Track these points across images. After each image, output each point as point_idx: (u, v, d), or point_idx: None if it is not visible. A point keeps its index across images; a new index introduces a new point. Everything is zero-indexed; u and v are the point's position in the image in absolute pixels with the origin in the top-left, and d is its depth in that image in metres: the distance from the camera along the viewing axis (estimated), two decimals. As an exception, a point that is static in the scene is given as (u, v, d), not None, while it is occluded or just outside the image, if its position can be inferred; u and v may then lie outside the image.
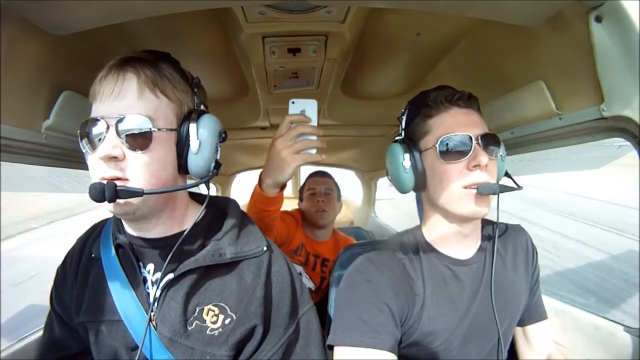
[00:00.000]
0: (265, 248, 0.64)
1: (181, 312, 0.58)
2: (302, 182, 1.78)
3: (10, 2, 0.53)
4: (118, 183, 0.52)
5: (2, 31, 0.55)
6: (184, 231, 0.60)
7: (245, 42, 0.86)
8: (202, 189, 0.64)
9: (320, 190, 1.64)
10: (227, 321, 0.58)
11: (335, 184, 1.72)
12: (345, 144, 2.06)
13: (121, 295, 0.60)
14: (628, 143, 0.62)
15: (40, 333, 0.74)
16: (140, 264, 0.62)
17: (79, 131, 0.56)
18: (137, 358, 0.56)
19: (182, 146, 0.58)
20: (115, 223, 0.67)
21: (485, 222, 0.81)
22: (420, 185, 0.72)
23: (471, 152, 0.65)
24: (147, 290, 0.61)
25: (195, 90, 0.62)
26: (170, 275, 0.59)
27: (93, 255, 0.66)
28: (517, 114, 0.85)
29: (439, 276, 0.72)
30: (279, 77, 1.09)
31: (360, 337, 0.63)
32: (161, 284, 0.60)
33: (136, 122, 0.53)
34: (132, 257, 0.61)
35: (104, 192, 0.50)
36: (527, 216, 6.66)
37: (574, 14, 0.61)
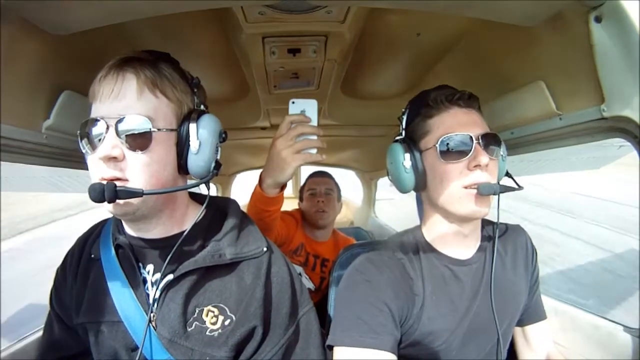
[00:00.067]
0: (265, 249, 0.64)
1: (181, 313, 0.58)
2: (302, 182, 1.78)
3: (10, 2, 0.53)
4: (118, 183, 0.52)
5: (2, 31, 0.55)
6: (184, 232, 0.60)
7: (245, 42, 0.86)
8: (202, 189, 0.64)
9: (320, 190, 1.63)
10: (226, 322, 0.58)
11: (336, 184, 1.72)
12: (345, 144, 2.06)
13: (121, 296, 0.60)
14: (628, 143, 0.62)
15: (40, 333, 0.74)
16: (140, 264, 0.62)
17: (78, 131, 0.56)
18: (137, 359, 0.56)
19: (182, 146, 0.58)
20: (115, 223, 0.67)
21: (485, 222, 0.81)
22: (421, 185, 0.72)
23: (471, 152, 0.65)
24: (147, 291, 0.61)
25: (195, 90, 0.62)
26: (170, 276, 0.59)
27: (93, 255, 0.66)
28: (517, 114, 0.85)
29: (439, 276, 0.72)
30: (279, 77, 1.09)
31: (359, 337, 0.63)
32: (161, 285, 0.60)
33: (136, 123, 0.53)
34: (131, 257, 0.61)
35: (103, 193, 0.50)
36: (523, 213, 6.69)
37: (573, 14, 0.61)
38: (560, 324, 0.92)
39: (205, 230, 0.64)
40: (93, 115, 0.55)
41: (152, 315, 0.59)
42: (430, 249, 0.75)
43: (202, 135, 0.58)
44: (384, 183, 2.19)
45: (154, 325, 0.59)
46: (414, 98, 0.76)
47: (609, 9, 0.55)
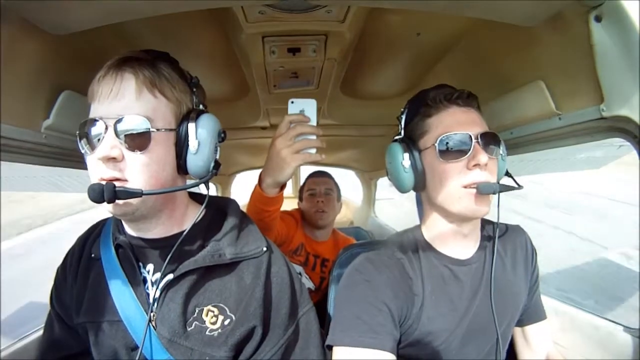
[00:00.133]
0: (264, 248, 0.64)
1: (180, 313, 0.58)
2: (302, 182, 1.78)
3: (10, 2, 0.53)
4: (117, 184, 0.52)
5: (2, 31, 0.55)
6: (184, 231, 0.60)
7: (245, 42, 0.86)
8: (201, 189, 0.64)
9: (320, 190, 1.63)
10: (226, 322, 0.58)
11: (335, 184, 1.71)
12: (345, 143, 2.06)
13: (121, 296, 0.60)
14: (628, 143, 0.62)
15: (41, 332, 0.74)
16: (140, 264, 0.62)
17: (77, 132, 0.56)
18: (137, 358, 0.57)
19: (181, 146, 0.58)
20: (115, 223, 0.67)
21: (485, 222, 0.81)
22: (420, 184, 0.72)
23: (471, 151, 0.65)
24: (147, 291, 0.61)
25: (194, 90, 0.62)
26: (170, 276, 0.59)
27: (93, 255, 0.66)
28: (516, 114, 0.85)
29: (438, 276, 0.72)
30: (279, 77, 1.09)
31: (359, 337, 0.63)
32: (161, 285, 0.60)
33: (135, 123, 0.53)
34: (131, 257, 0.61)
35: (103, 193, 0.50)
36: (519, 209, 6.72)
37: (573, 14, 0.61)
38: (560, 324, 0.92)
39: (205, 230, 0.64)
40: (92, 115, 0.55)
41: (152, 314, 0.59)
42: (429, 248, 0.75)
43: (201, 135, 0.58)
44: (384, 183, 2.19)
45: (154, 324, 0.59)
46: (413, 97, 0.76)
47: (609, 9, 0.55)
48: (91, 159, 0.55)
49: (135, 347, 0.59)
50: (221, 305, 0.59)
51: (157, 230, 0.61)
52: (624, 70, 0.56)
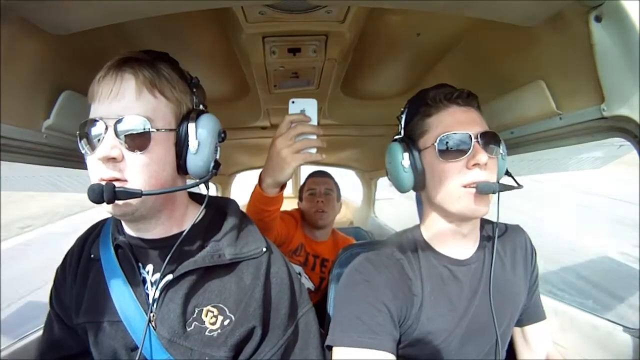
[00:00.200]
0: (264, 249, 0.64)
1: (180, 313, 0.58)
2: (302, 182, 1.78)
3: (10, 2, 0.53)
4: (117, 184, 0.52)
5: (2, 31, 0.55)
6: (183, 232, 0.60)
7: (245, 42, 0.86)
8: (201, 189, 0.64)
9: (320, 190, 1.63)
10: (226, 322, 0.58)
11: (335, 184, 1.71)
12: (345, 143, 2.06)
13: (120, 296, 0.60)
14: (628, 143, 0.62)
15: (40, 333, 0.74)
16: (140, 264, 0.62)
17: (77, 132, 0.56)
18: (136, 359, 0.57)
19: (181, 146, 0.58)
20: (114, 223, 0.67)
21: (485, 222, 0.81)
22: (420, 184, 0.72)
23: (470, 150, 0.65)
24: (147, 291, 0.61)
25: (194, 90, 0.62)
26: (170, 276, 0.59)
27: (92, 255, 0.66)
28: (517, 114, 0.85)
29: (438, 276, 0.72)
30: (279, 77, 1.09)
31: (358, 337, 0.63)
32: (160, 285, 0.60)
33: (134, 123, 0.53)
34: (131, 257, 0.61)
35: (102, 193, 0.50)
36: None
37: (573, 14, 0.61)
38: (559, 324, 0.92)
39: (205, 230, 0.64)
40: (92, 115, 0.55)
41: (151, 315, 0.59)
42: (429, 248, 0.75)
43: (201, 135, 0.58)
44: (384, 183, 2.19)
45: (154, 325, 0.59)
46: (413, 97, 0.76)
47: (609, 9, 0.55)
48: (91, 159, 0.55)
49: (135, 348, 0.59)
50: (221, 305, 0.59)
51: (156, 231, 0.61)
52: (624, 70, 0.56)
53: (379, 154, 0.80)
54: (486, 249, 0.77)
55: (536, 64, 0.76)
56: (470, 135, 0.65)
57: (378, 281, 0.68)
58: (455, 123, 0.67)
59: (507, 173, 0.76)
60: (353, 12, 0.77)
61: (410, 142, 0.72)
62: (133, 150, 0.54)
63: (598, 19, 0.57)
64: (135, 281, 0.61)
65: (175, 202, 0.62)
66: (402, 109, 0.77)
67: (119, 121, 0.53)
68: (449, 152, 0.66)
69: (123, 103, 0.54)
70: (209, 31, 0.87)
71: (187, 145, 0.58)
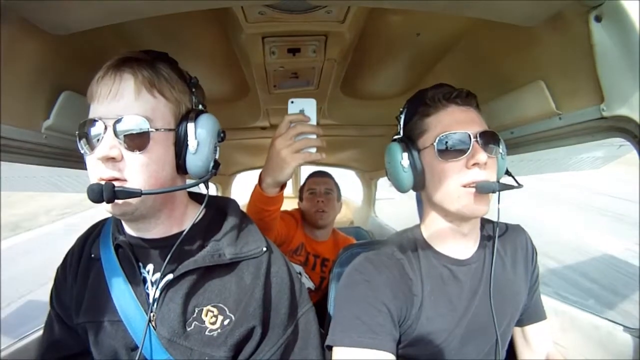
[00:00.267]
0: (264, 249, 0.64)
1: (180, 313, 0.58)
2: (302, 182, 1.78)
3: (10, 2, 0.53)
4: (116, 184, 0.52)
5: (2, 31, 0.55)
6: (183, 231, 0.60)
7: (245, 42, 0.86)
8: (202, 189, 0.64)
9: (320, 190, 1.64)
10: (226, 322, 0.58)
11: (336, 184, 1.72)
12: (345, 144, 2.06)
13: (121, 296, 0.60)
14: (628, 143, 0.62)
15: (41, 332, 0.74)
16: (140, 264, 0.62)
17: (77, 132, 0.56)
18: (137, 358, 0.57)
19: (180, 146, 0.58)
20: (114, 223, 0.67)
21: (485, 222, 0.81)
22: (419, 184, 0.72)
23: (469, 150, 0.65)
24: (147, 291, 0.61)
25: (194, 89, 0.62)
26: (170, 276, 0.60)
27: (93, 255, 0.66)
28: (517, 114, 0.85)
29: (438, 276, 0.72)
30: (279, 77, 1.09)
31: (358, 337, 0.63)
32: (160, 285, 0.60)
33: (134, 123, 0.54)
34: (131, 257, 0.61)
35: (102, 193, 0.50)
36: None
37: (573, 14, 0.61)
38: (560, 324, 0.91)
39: (205, 230, 0.64)
40: (91, 115, 0.55)
41: (151, 315, 0.59)
42: (429, 248, 0.74)
43: (200, 135, 0.58)
44: (384, 183, 2.19)
45: (154, 325, 0.59)
46: (412, 97, 0.76)
47: (609, 9, 0.55)
48: (90, 159, 0.55)
49: (135, 347, 0.59)
50: (221, 305, 0.59)
51: (156, 230, 0.62)
52: (624, 70, 0.56)
53: (379, 154, 0.80)
54: (486, 249, 0.77)
55: (536, 64, 0.76)
56: (470, 135, 0.65)
57: (378, 281, 0.68)
58: (454, 123, 0.67)
59: (508, 172, 0.76)
60: (353, 12, 0.76)
61: (409, 142, 0.72)
62: (132, 150, 0.54)
63: (598, 19, 0.57)
64: (136, 281, 0.61)
65: (174, 201, 0.62)
66: (401, 109, 0.77)
67: (118, 121, 0.53)
68: (448, 152, 0.66)
69: (122, 103, 0.54)
70: (209, 31, 0.87)
71: (187, 145, 0.58)
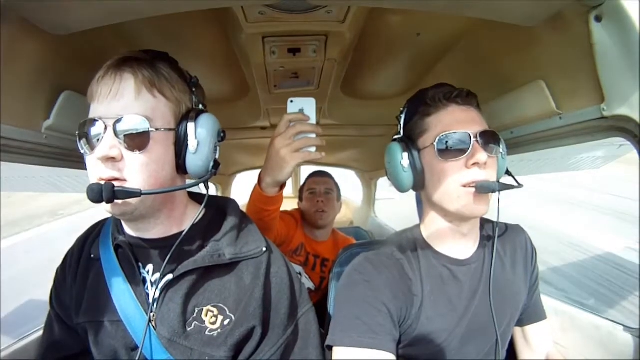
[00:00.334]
0: (264, 249, 0.64)
1: (180, 313, 0.58)
2: (302, 182, 1.78)
3: (10, 2, 0.53)
4: (116, 184, 0.52)
5: (2, 31, 0.55)
6: (183, 232, 0.60)
7: (245, 42, 0.86)
8: (201, 189, 0.64)
9: (320, 190, 1.63)
10: (226, 322, 0.58)
11: (336, 184, 1.72)
12: (345, 143, 2.06)
13: (121, 296, 0.60)
14: (628, 142, 0.62)
15: (41, 333, 0.74)
16: (140, 264, 0.62)
17: (77, 132, 0.56)
18: (137, 358, 0.57)
19: (180, 146, 0.58)
20: (114, 223, 0.67)
21: (485, 222, 0.81)
22: (419, 184, 0.72)
23: (470, 150, 0.65)
24: (147, 291, 0.61)
25: (194, 89, 0.62)
26: (170, 276, 0.60)
27: (92, 255, 0.66)
28: (517, 114, 0.85)
29: (437, 276, 0.72)
30: (279, 77, 1.09)
31: (358, 337, 0.63)
32: (160, 285, 0.60)
33: (134, 123, 0.54)
34: (131, 257, 0.61)
35: (101, 193, 0.50)
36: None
37: (573, 14, 0.61)
38: (560, 324, 0.92)
39: (205, 230, 0.64)
40: (91, 115, 0.55)
41: (151, 315, 0.59)
42: (429, 248, 0.74)
43: (200, 135, 0.58)
44: (384, 183, 2.19)
45: (154, 325, 0.59)
46: (412, 97, 0.76)
47: (609, 9, 0.55)
48: (90, 159, 0.55)
49: (135, 347, 0.59)
50: (221, 305, 0.59)
51: (156, 230, 0.61)
52: (624, 70, 0.56)
53: (379, 154, 0.80)
54: (486, 249, 0.77)
55: (536, 64, 0.76)
56: (470, 135, 0.65)
57: (378, 281, 0.68)
58: (454, 122, 0.67)
59: (508, 172, 0.76)
60: (353, 12, 0.76)
61: (409, 141, 0.72)
62: (132, 150, 0.54)
63: (598, 19, 0.57)
64: (136, 281, 0.61)
65: (174, 201, 0.62)
66: (401, 109, 0.77)
67: (118, 121, 0.53)
68: (448, 152, 0.66)
69: (122, 103, 0.54)
70: (209, 31, 0.87)
71: (187, 144, 0.58)
